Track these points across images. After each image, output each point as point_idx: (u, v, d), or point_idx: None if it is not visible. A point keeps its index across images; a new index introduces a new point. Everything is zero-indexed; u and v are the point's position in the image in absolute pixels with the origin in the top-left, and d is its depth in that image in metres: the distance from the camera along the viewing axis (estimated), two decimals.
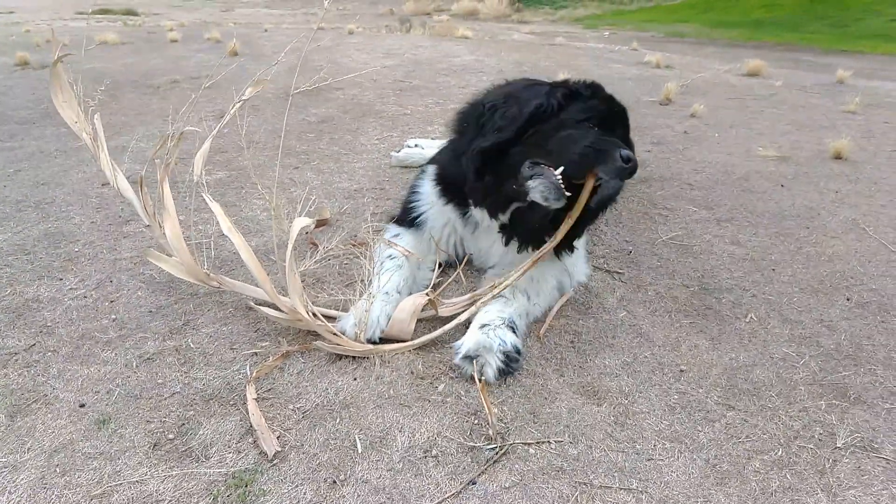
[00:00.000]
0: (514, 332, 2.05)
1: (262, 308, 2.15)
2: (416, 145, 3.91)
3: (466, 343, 2.01)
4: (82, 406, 1.82)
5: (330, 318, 2.17)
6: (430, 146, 3.92)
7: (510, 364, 1.97)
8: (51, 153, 4.04)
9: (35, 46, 8.40)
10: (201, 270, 2.28)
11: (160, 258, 2.31)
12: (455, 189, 2.42)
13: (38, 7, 19.13)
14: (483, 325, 2.05)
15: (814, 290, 2.55)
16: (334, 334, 2.06)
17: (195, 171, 2.25)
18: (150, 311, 2.29)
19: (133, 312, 2.28)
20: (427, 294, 2.20)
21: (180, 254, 2.23)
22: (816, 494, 1.57)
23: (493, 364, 1.95)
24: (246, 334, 2.18)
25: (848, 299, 2.48)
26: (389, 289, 2.26)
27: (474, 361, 1.95)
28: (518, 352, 2.00)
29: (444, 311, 2.23)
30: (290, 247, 1.99)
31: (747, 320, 2.33)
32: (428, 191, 2.56)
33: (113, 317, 2.25)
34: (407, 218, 2.60)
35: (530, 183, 2.04)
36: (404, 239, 2.53)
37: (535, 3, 22.22)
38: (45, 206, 3.19)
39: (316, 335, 2.08)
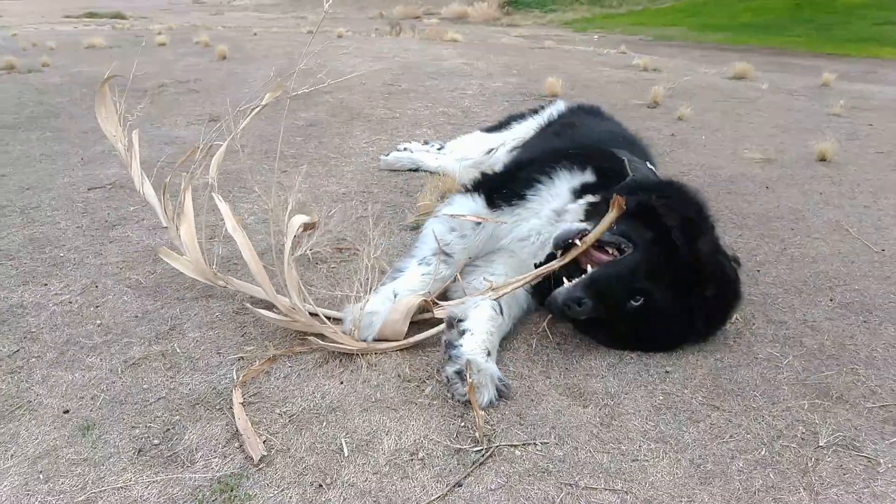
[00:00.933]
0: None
1: (258, 310, 2.15)
2: (405, 149, 3.92)
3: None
4: (66, 412, 1.81)
5: (329, 318, 2.17)
6: (419, 150, 3.93)
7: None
8: (36, 158, 4.02)
9: (21, 51, 8.35)
10: (210, 269, 2.33)
11: (172, 256, 2.41)
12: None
13: (25, 11, 19.00)
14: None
15: (798, 291, 2.57)
16: (334, 332, 2.06)
17: (210, 175, 2.34)
18: (136, 316, 2.28)
19: (119, 317, 2.27)
20: (423, 296, 2.21)
21: (192, 253, 2.31)
22: (799, 493, 1.59)
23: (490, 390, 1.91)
24: (233, 338, 2.17)
25: (831, 300, 2.50)
26: (415, 287, 2.25)
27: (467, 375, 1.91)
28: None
29: (439, 313, 2.22)
30: (287, 243, 2.00)
31: (732, 321, 2.34)
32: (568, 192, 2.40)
33: (98, 322, 2.24)
34: (511, 194, 2.45)
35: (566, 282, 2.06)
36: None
37: (524, 7, 22.32)
38: (30, 210, 3.17)
39: (311, 335, 2.09)
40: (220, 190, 3.42)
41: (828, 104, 5.91)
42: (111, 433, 1.73)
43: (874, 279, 2.67)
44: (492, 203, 2.46)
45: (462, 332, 2.05)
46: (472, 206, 2.48)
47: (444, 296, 2.36)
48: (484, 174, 2.75)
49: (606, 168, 2.45)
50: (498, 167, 3.10)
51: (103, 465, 1.63)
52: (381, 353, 2.09)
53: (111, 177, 3.62)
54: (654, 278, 2.04)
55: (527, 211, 2.43)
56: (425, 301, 2.20)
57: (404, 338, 2.13)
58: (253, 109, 2.42)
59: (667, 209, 2.15)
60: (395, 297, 2.21)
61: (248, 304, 2.18)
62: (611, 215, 2.01)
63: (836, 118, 5.55)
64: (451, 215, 2.44)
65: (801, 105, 6.13)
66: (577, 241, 2.06)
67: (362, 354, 2.07)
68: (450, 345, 2.01)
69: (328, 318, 2.17)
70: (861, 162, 4.30)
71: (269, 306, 2.15)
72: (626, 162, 2.49)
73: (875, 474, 1.65)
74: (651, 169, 2.69)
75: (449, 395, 1.91)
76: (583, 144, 2.74)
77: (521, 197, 2.43)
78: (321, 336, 2.07)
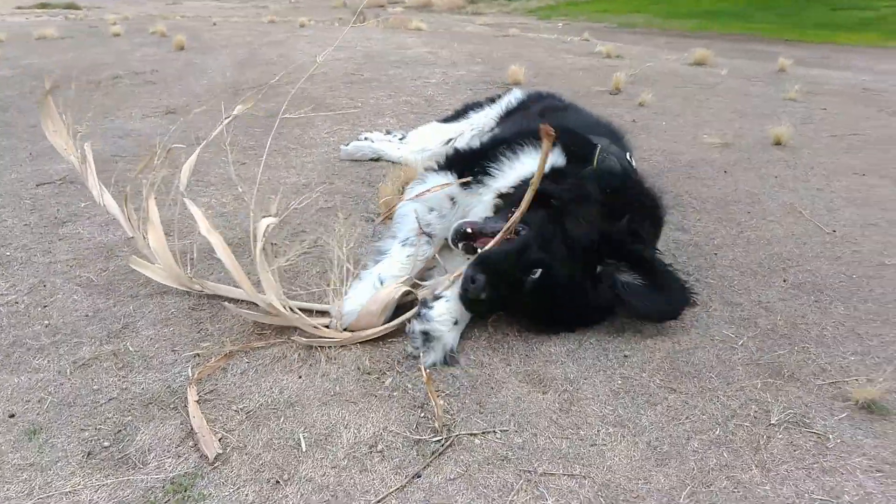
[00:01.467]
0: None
1: (239, 309, 2.10)
2: (365, 138, 3.87)
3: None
4: (12, 416, 1.75)
5: (307, 311, 2.15)
6: (381, 139, 3.89)
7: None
8: None
9: None
10: (185, 275, 2.29)
11: (143, 265, 2.35)
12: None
13: None
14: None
15: (753, 273, 2.62)
16: (315, 326, 2.05)
17: (181, 182, 2.29)
18: (87, 315, 2.21)
19: (68, 317, 2.20)
20: (404, 283, 2.19)
21: (163, 260, 2.27)
22: (751, 470, 1.62)
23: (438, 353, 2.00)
24: (188, 335, 2.12)
25: (784, 280, 2.56)
26: (399, 271, 2.25)
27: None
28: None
29: (422, 293, 2.21)
30: (258, 246, 1.97)
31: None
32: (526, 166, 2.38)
33: (46, 322, 2.17)
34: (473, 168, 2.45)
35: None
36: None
37: None
38: None
39: (296, 333, 2.07)
40: (177, 184, 3.36)
41: (784, 89, 6.01)
42: (59, 437, 1.68)
43: (825, 260, 2.73)
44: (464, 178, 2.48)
45: (437, 297, 2.10)
46: (445, 182, 2.50)
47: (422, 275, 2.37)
48: (457, 150, 2.75)
49: (579, 153, 2.45)
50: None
51: (51, 469, 1.58)
52: (340, 347, 2.07)
53: (61, 172, 3.50)
54: (551, 251, 2.08)
55: (485, 188, 2.43)
56: (409, 288, 2.19)
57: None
58: (224, 119, 2.38)
59: (562, 191, 2.17)
60: (381, 283, 2.20)
61: (227, 304, 2.13)
62: (544, 146, 2.01)
63: (791, 103, 5.65)
64: (418, 195, 2.42)
65: (758, 90, 6.23)
66: (468, 230, 2.14)
67: (320, 348, 2.05)
68: (424, 303, 2.07)
69: (312, 312, 2.16)
70: (815, 146, 4.39)
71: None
72: (599, 150, 2.48)
73: (824, 450, 1.69)
74: (629, 161, 2.69)
75: (406, 383, 1.91)
76: (562, 126, 2.74)
77: (486, 172, 2.43)
78: (303, 332, 2.06)
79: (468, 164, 2.51)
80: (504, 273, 2.03)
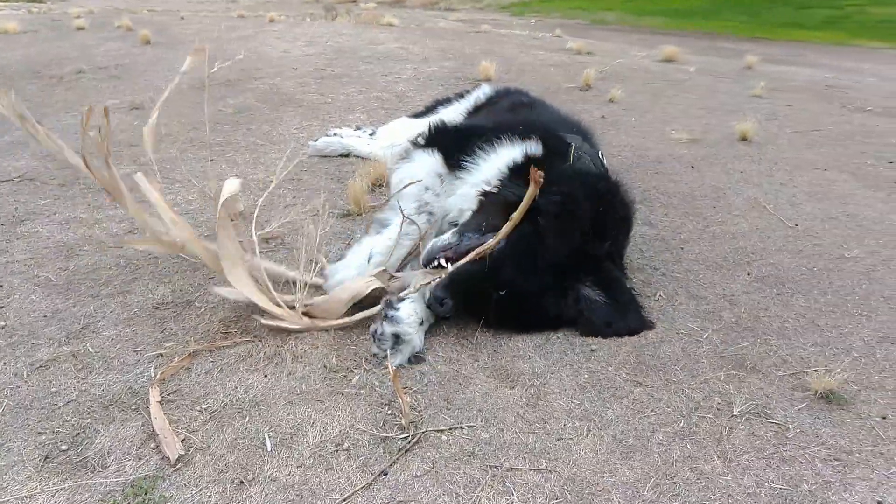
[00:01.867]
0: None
1: (218, 290, 2.09)
2: (334, 134, 3.84)
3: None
4: None
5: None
6: (350, 135, 3.86)
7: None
8: None
9: None
10: (200, 244, 2.12)
11: (142, 241, 2.21)
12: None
13: None
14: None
15: (718, 267, 2.66)
16: (278, 305, 2.05)
17: (147, 147, 2.20)
18: (45, 316, 2.15)
19: (25, 318, 2.14)
20: (379, 276, 2.17)
21: (168, 219, 2.08)
22: (713, 461, 1.64)
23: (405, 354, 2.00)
24: (151, 335, 2.08)
25: (748, 274, 2.60)
26: (388, 251, 2.24)
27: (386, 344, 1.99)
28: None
29: (394, 285, 2.18)
30: (219, 204, 1.92)
31: (656, 298, 2.41)
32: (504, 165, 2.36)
33: (2, 324, 2.10)
34: (456, 151, 2.45)
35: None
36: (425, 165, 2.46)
37: None
38: None
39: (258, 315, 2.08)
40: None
41: (750, 86, 6.12)
42: (15, 441, 1.64)
43: (788, 253, 2.79)
44: (448, 158, 2.50)
45: (402, 299, 2.08)
46: (432, 160, 2.52)
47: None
48: (438, 127, 2.76)
49: (555, 147, 2.46)
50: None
51: (6, 474, 1.54)
52: (307, 345, 2.05)
53: (20, 169, 3.41)
54: (523, 269, 2.08)
55: (466, 173, 2.43)
56: (380, 284, 2.16)
57: (346, 316, 2.12)
58: (175, 81, 2.30)
59: (548, 204, 2.12)
60: (368, 260, 2.22)
61: (216, 289, 2.12)
62: (531, 191, 1.97)
63: (757, 99, 5.76)
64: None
65: (725, 87, 6.33)
66: (443, 261, 2.09)
67: (285, 344, 2.02)
68: (390, 304, 2.05)
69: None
70: (779, 141, 4.48)
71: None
72: (573, 148, 2.49)
73: (784, 440, 1.73)
74: (601, 160, 2.70)
75: (374, 380, 1.90)
76: (535, 122, 2.75)
77: (460, 167, 2.45)
78: (264, 314, 2.06)
79: (450, 149, 2.51)
80: (471, 294, 2.05)
